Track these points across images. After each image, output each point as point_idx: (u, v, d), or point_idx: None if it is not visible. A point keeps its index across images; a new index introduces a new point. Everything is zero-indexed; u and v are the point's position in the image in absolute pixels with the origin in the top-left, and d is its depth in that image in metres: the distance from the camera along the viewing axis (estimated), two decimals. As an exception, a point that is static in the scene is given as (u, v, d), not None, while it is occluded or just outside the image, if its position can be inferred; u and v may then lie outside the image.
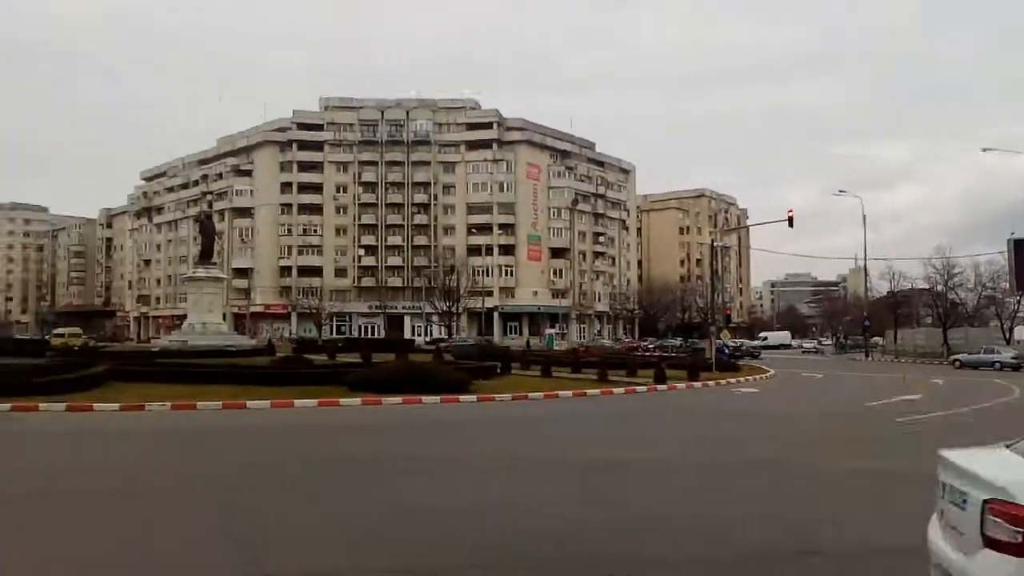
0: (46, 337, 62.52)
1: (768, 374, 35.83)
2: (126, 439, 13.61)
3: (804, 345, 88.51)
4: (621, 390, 25.01)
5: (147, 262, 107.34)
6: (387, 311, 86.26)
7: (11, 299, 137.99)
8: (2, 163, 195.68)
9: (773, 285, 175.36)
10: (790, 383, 32.65)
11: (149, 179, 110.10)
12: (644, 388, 25.81)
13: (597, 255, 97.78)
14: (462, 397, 20.89)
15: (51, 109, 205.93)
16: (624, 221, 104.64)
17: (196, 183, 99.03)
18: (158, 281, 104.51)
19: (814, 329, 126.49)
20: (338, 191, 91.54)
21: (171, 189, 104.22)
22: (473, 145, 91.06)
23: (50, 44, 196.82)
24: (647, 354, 47.18)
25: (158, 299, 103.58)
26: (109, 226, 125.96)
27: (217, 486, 9.07)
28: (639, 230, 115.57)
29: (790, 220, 39.22)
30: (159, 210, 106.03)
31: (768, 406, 22.34)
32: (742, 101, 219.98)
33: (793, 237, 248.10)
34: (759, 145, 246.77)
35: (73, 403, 17.63)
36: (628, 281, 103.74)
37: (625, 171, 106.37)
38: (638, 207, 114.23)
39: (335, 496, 8.58)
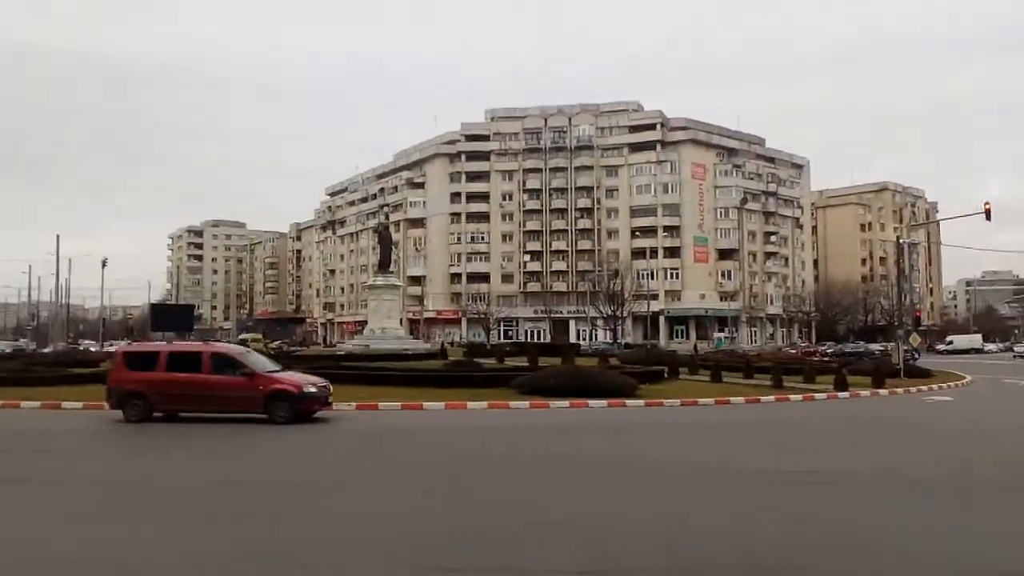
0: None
1: (964, 381, 32.77)
2: (336, 437, 14.72)
3: (1016, 349, 74.65)
4: (798, 397, 23.88)
5: (332, 271, 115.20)
6: (552, 315, 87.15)
7: (215, 307, 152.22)
8: (206, 185, 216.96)
9: (968, 284, 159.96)
10: (991, 390, 29.77)
11: (333, 194, 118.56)
12: (823, 395, 24.50)
13: (769, 255, 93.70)
14: (629, 402, 20.76)
15: (248, 135, 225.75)
16: (798, 219, 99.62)
17: (374, 196, 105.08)
18: (342, 289, 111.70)
19: (1016, 332, 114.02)
20: (504, 199, 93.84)
21: (352, 203, 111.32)
22: (636, 147, 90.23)
23: (253, 75, 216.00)
24: (825, 359, 44.49)
25: (342, 306, 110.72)
26: (298, 239, 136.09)
27: (421, 484, 9.69)
28: (814, 228, 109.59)
29: (987, 213, 35.81)
30: (342, 223, 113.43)
31: (970, 415, 20.45)
32: (929, 85, 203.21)
33: (992, 231, 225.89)
34: (950, 132, 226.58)
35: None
36: (803, 282, 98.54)
37: (798, 166, 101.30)
38: (813, 204, 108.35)
39: (516, 496, 8.89)
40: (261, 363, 17.33)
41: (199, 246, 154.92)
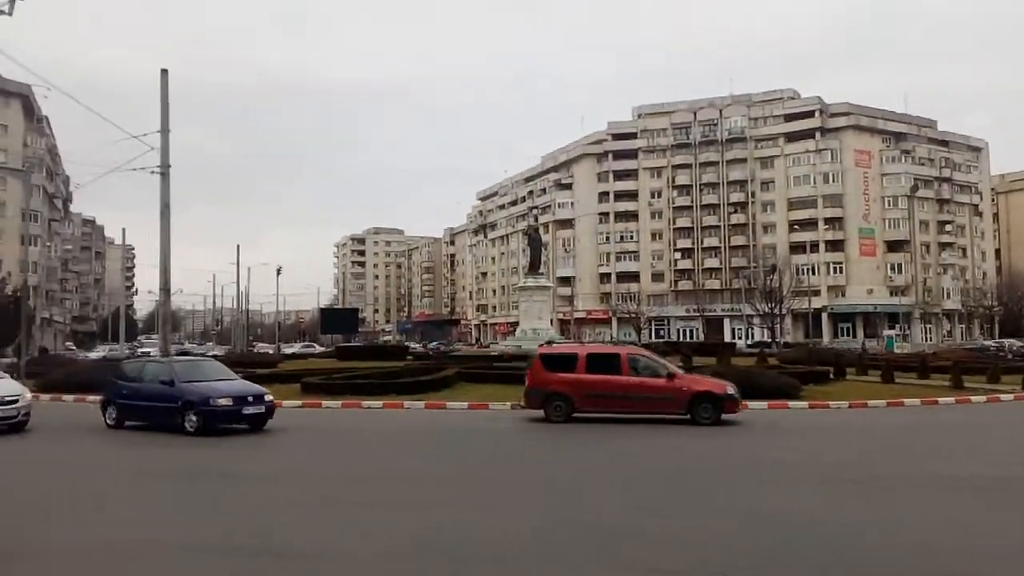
0: (405, 344, 71.35)
1: None
2: (479, 434, 15.21)
3: None
4: (981, 398, 22.00)
5: (484, 274, 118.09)
6: (705, 314, 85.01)
7: (377, 311, 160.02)
8: (367, 194, 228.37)
9: None
10: None
11: (484, 199, 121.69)
12: (1010, 396, 22.44)
13: (943, 246, 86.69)
14: (791, 403, 19.90)
15: (404, 144, 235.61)
16: (976, 206, 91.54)
17: (523, 199, 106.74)
18: (494, 291, 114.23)
19: None
20: (652, 196, 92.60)
21: (502, 207, 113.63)
22: (792, 137, 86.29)
23: (408, 86, 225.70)
24: (1012, 357, 40.52)
25: (494, 307, 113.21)
26: (452, 243, 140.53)
27: (582, 481, 9.84)
28: (995, 215, 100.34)
29: None
30: (493, 226, 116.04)
31: None
32: None
33: None
34: None
35: (430, 402, 20.21)
36: (983, 274, 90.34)
37: (975, 149, 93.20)
38: (993, 189, 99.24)
39: (695, 501, 8.83)
40: (670, 366, 17.56)
41: (361, 253, 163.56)
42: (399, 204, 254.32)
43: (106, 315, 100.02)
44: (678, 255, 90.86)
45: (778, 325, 67.25)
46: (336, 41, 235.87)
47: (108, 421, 16.23)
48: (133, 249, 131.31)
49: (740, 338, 74.60)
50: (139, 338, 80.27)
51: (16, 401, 15.15)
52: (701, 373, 20.05)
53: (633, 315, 79.40)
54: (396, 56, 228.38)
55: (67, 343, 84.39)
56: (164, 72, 24.05)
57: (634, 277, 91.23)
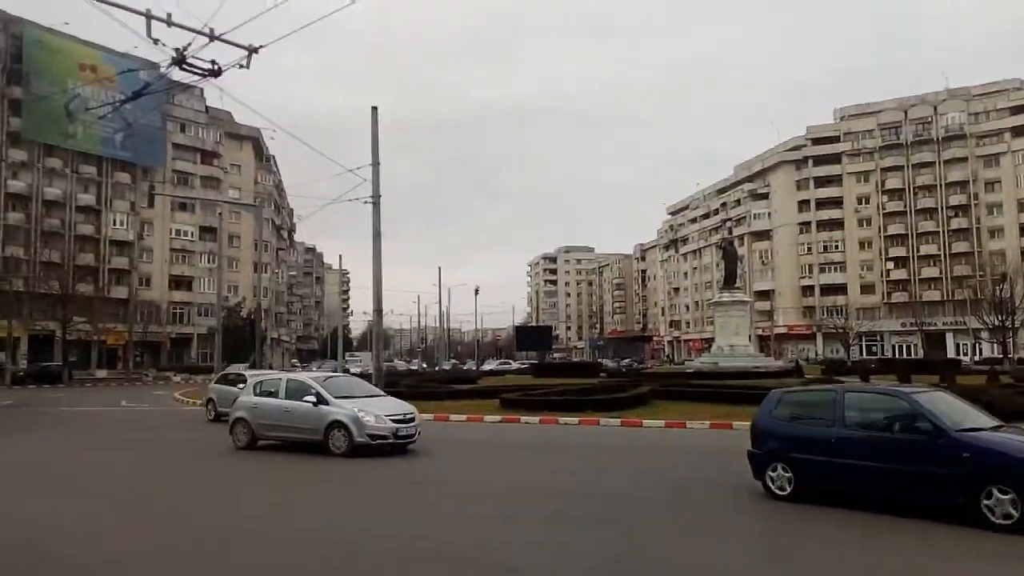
0: (598, 360, 71.74)
1: None
2: (686, 453, 15.11)
3: None
4: None
5: (676, 289, 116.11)
6: (924, 328, 77.85)
7: (569, 328, 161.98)
8: (559, 213, 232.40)
9: None
10: None
11: (674, 213, 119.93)
12: None
13: None
14: (1029, 427, 17.85)
15: (593, 162, 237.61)
16: None
17: (716, 212, 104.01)
18: (686, 307, 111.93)
19: None
20: (859, 203, 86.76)
21: (694, 220, 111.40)
22: (1020, 131, 77.54)
23: (597, 104, 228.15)
24: None
25: (687, 323, 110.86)
26: (643, 259, 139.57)
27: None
28: None
29: None
30: (684, 241, 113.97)
31: None
32: None
33: None
34: None
35: (625, 419, 20.22)
36: None
37: None
38: None
39: None
40: None
41: (553, 271, 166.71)
42: (589, 222, 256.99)
43: (325, 334, 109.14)
44: (890, 265, 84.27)
45: (1010, 340, 60.41)
46: (522, 63, 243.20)
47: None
48: (348, 273, 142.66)
49: (965, 354, 67.75)
50: (346, 355, 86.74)
51: (414, 419, 14.67)
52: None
53: (840, 330, 74.48)
54: (583, 74, 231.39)
55: (292, 360, 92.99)
56: (374, 109, 26.11)
57: (840, 289, 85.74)
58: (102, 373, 60.78)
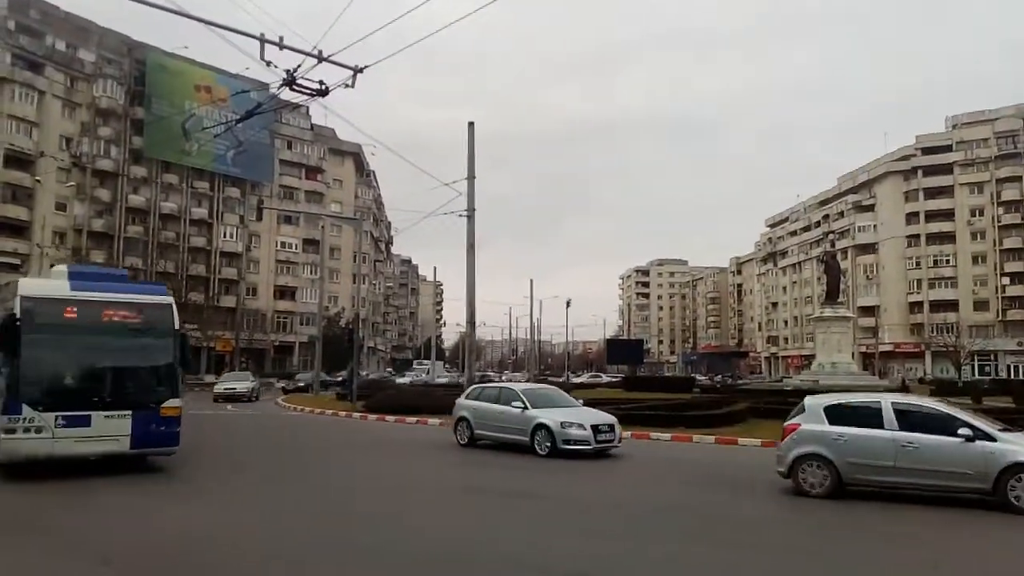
0: (692, 375, 70.53)
1: None
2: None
3: None
4: None
5: (774, 304, 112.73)
6: (1045, 348, 73.12)
7: (661, 342, 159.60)
8: (651, 226, 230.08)
9: None
10: None
11: (772, 225, 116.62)
12: None
13: None
14: None
15: (684, 174, 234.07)
16: None
17: (817, 224, 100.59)
18: (785, 322, 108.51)
19: None
20: (972, 215, 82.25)
21: (793, 233, 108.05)
22: None
23: (689, 116, 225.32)
24: None
25: (785, 339, 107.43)
26: (739, 273, 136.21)
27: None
28: None
29: None
30: (783, 254, 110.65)
31: None
32: None
33: None
34: None
35: (720, 436, 19.78)
36: None
37: None
38: None
39: None
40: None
41: (646, 284, 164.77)
42: (681, 236, 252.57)
43: (419, 344, 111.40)
44: (1006, 280, 79.41)
45: None
46: (620, 79, 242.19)
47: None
48: (442, 285, 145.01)
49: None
50: (413, 363, 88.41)
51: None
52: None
53: (951, 348, 70.67)
54: (681, 89, 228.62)
55: (387, 369, 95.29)
56: (471, 125, 26.70)
57: (951, 306, 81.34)
58: (210, 378, 63.89)
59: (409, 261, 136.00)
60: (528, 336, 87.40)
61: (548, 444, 15.37)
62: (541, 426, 15.57)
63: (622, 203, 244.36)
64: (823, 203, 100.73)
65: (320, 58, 12.93)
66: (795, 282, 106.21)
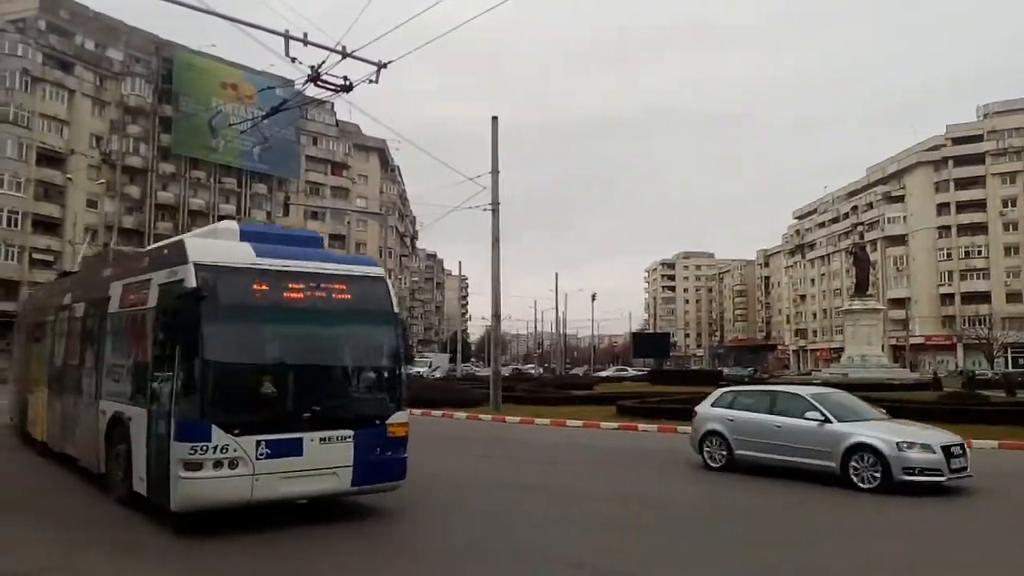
0: (719, 369, 69.92)
1: None
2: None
3: None
4: None
5: (802, 297, 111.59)
6: (1083, 340, 71.65)
7: (687, 335, 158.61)
8: (676, 219, 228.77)
9: None
10: None
11: (800, 217, 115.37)
12: None
13: None
14: None
15: (712, 164, 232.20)
16: None
17: (846, 216, 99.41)
18: (813, 315, 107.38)
19: None
20: (1005, 206, 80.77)
21: (822, 224, 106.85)
22: None
23: (718, 106, 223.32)
24: None
25: (814, 332, 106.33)
26: (766, 265, 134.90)
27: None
28: None
29: None
30: (811, 246, 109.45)
31: None
32: None
33: None
34: None
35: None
36: None
37: None
38: None
39: None
40: None
41: (671, 277, 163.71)
42: (708, 228, 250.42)
43: (445, 338, 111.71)
44: (1041, 271, 77.92)
45: None
46: (645, 72, 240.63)
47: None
48: (467, 279, 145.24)
49: None
50: (424, 354, 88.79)
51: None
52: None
53: (983, 341, 69.45)
54: (705, 81, 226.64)
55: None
56: (494, 119, 26.70)
57: (984, 297, 79.97)
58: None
59: (434, 255, 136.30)
60: (553, 330, 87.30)
61: (876, 474, 11.02)
62: (861, 447, 11.22)
63: (647, 196, 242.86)
64: (852, 194, 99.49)
65: (344, 54, 12.95)
66: (823, 274, 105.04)
